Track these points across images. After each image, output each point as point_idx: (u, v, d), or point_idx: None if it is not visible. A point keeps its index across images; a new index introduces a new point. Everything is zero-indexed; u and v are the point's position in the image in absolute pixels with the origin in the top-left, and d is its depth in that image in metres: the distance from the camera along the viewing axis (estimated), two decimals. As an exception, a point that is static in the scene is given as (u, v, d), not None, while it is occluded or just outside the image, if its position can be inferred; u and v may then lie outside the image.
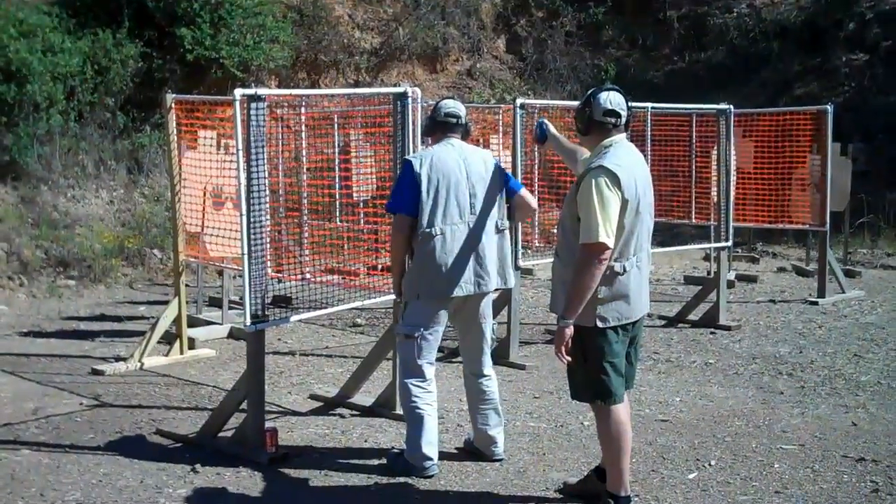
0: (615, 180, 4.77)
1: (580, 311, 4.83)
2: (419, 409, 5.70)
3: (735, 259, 13.59)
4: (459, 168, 5.68)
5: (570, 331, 4.85)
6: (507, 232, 5.89)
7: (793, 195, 11.88)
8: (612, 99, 4.97)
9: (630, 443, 5.08)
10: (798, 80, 18.79)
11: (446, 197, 5.59)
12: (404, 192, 5.61)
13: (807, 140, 11.73)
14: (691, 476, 5.75)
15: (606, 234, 4.74)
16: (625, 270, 4.92)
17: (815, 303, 11.15)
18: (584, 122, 5.05)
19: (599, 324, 4.90)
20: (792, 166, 11.83)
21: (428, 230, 5.57)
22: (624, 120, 5.01)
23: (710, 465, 5.95)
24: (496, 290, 5.90)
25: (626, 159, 4.91)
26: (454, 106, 5.87)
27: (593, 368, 4.97)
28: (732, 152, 10.20)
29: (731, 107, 10.02)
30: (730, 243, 10.27)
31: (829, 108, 11.45)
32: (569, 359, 4.92)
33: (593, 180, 4.78)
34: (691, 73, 20.13)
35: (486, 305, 5.89)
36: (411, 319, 5.72)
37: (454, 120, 5.81)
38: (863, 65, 18.43)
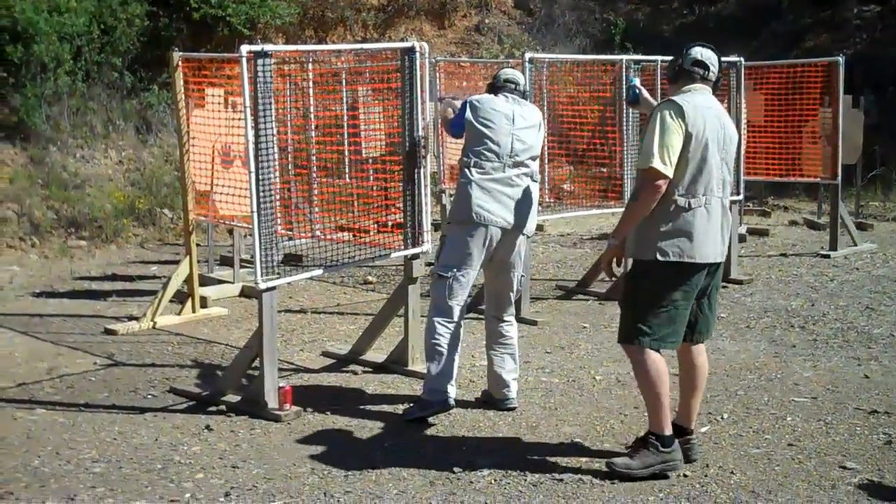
0: (679, 111, 4.89)
1: (643, 246, 4.98)
2: (441, 346, 5.89)
3: (746, 213, 13.55)
4: (509, 117, 6.02)
5: (615, 250, 5.09)
6: (537, 185, 6.17)
7: (804, 148, 11.80)
8: (703, 53, 5.15)
9: (667, 382, 5.11)
10: (809, 33, 18.62)
11: (491, 138, 5.95)
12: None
13: (818, 92, 11.63)
14: (703, 430, 5.76)
15: (662, 161, 4.84)
16: (690, 207, 4.94)
17: (827, 256, 11.12)
18: (673, 71, 5.24)
19: (659, 257, 4.94)
20: (803, 119, 11.74)
21: (466, 159, 6.01)
22: (712, 74, 5.15)
23: (722, 418, 5.96)
24: (528, 236, 6.19)
25: (701, 102, 5.00)
26: (513, 73, 6.29)
27: (642, 308, 5.03)
28: (743, 105, 10.13)
29: (742, 59, 9.94)
30: (741, 197, 10.22)
31: (841, 59, 11.35)
32: (616, 272, 5.14)
33: (658, 112, 4.95)
34: (702, 26, 19.93)
35: (518, 253, 6.11)
36: (445, 260, 5.98)
37: (512, 85, 6.18)
38: (874, 17, 18.25)
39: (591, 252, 11.55)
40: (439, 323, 5.93)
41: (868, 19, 18.27)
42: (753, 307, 8.83)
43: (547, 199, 10.44)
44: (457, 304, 5.96)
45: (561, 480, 5.03)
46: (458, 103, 6.51)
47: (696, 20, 20.39)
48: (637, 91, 6.11)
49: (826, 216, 12.51)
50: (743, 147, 10.23)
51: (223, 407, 6.11)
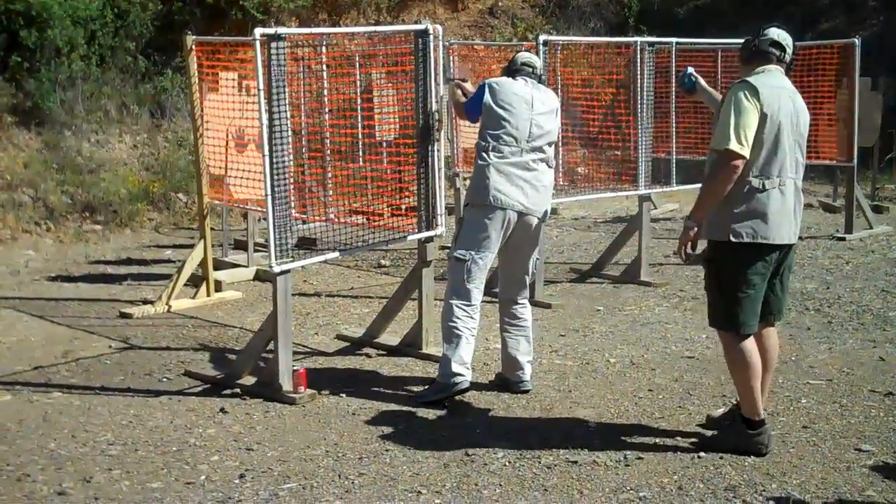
0: (754, 92, 4.91)
1: (717, 227, 5.01)
2: (458, 329, 5.91)
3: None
4: (528, 101, 6.05)
5: (693, 232, 5.05)
6: (552, 170, 6.28)
7: (820, 130, 11.71)
8: (780, 34, 5.14)
9: (758, 377, 5.10)
10: (824, 14, 18.49)
11: (510, 122, 6.01)
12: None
13: (834, 75, 11.55)
14: (718, 412, 5.75)
15: (738, 142, 4.86)
16: (764, 188, 4.97)
17: (843, 238, 11.08)
18: (748, 52, 5.20)
19: (733, 238, 4.97)
20: (819, 101, 11.65)
21: (484, 142, 6.04)
22: (788, 55, 5.15)
23: (736, 400, 5.93)
24: (542, 220, 6.25)
25: (775, 82, 5.02)
26: (530, 57, 6.35)
27: (727, 293, 5.06)
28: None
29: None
30: (755, 180, 10.15)
31: (857, 41, 11.27)
32: (691, 252, 5.14)
33: (733, 94, 4.96)
34: (716, 8, 19.82)
35: (533, 237, 6.20)
36: (463, 244, 6.03)
37: (529, 69, 6.22)
38: (891, -2, 18.12)
39: (604, 235, 11.53)
40: (457, 306, 5.95)
41: (885, 1, 18.13)
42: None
43: (561, 183, 10.42)
44: (474, 286, 5.98)
45: (575, 462, 5.04)
46: (468, 85, 6.55)
47: (712, 2, 20.27)
48: (693, 79, 6.09)
49: (842, 199, 12.46)
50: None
51: (238, 390, 6.13)
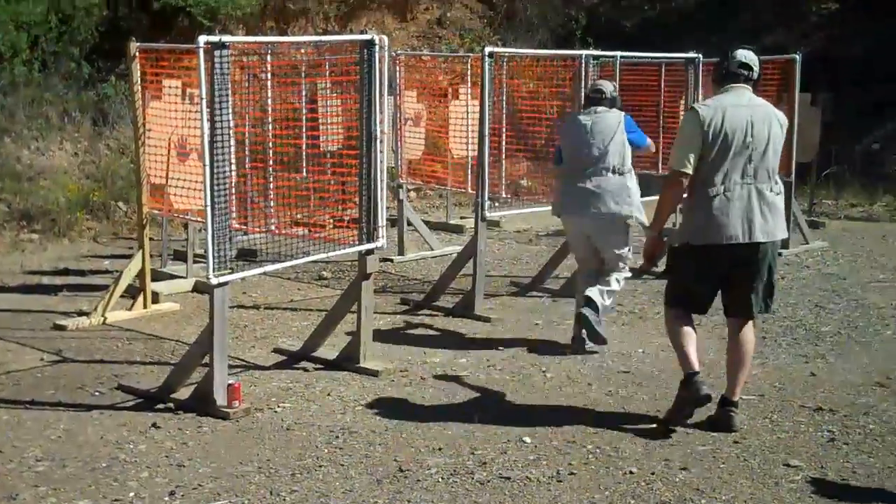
0: (695, 115, 5.63)
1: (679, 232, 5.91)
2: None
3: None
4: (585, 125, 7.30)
5: (653, 241, 5.88)
6: (627, 174, 7.31)
7: (760, 145, 11.85)
8: (747, 55, 5.74)
9: (690, 338, 5.85)
10: (768, 30, 18.74)
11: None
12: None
13: (775, 89, 11.69)
14: (651, 426, 5.80)
15: (681, 163, 5.61)
16: (708, 196, 5.58)
17: (779, 254, 11.15)
18: (719, 74, 5.80)
19: (686, 239, 5.76)
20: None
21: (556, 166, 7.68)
22: (755, 74, 5.75)
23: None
24: (620, 218, 7.32)
25: (731, 101, 5.63)
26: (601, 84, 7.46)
27: (672, 278, 5.96)
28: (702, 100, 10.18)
29: (700, 55, 10.00)
30: (696, 193, 10.26)
31: (798, 57, 11.42)
32: (654, 268, 6.17)
33: (682, 120, 5.86)
34: (662, 21, 20.03)
35: (606, 231, 7.35)
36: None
37: (598, 95, 7.41)
38: (833, 14, 18.41)
39: (546, 248, 11.56)
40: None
41: (826, 17, 18.45)
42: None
43: (503, 195, 10.47)
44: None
45: (508, 479, 5.05)
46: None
47: (658, 15, 20.49)
48: None
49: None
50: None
51: (171, 404, 6.07)
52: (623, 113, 7.51)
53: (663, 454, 5.39)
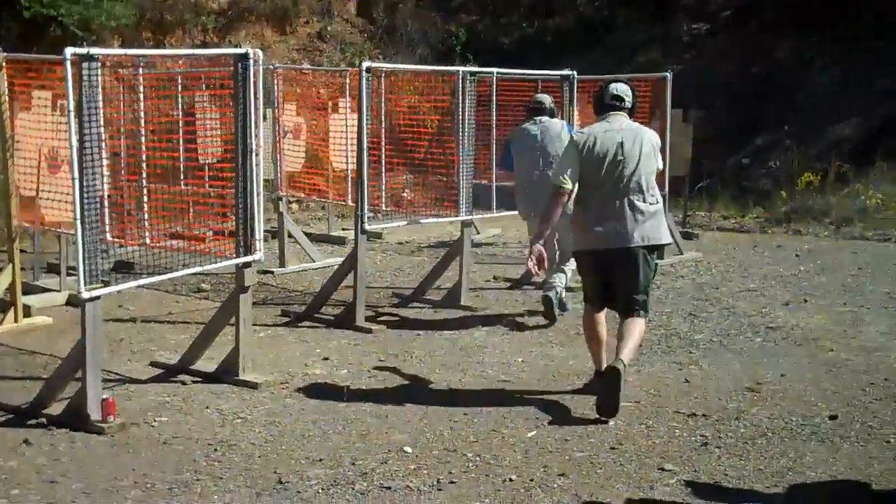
0: (572, 141, 6.55)
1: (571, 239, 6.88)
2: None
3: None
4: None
5: (537, 248, 6.41)
6: None
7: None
8: (619, 87, 6.59)
9: (596, 339, 6.62)
10: (642, 48, 19.23)
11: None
12: None
13: (647, 106, 11.98)
14: (530, 434, 5.88)
15: (562, 180, 6.38)
16: (586, 209, 6.40)
17: (659, 258, 11.45)
18: (599, 104, 6.63)
19: (575, 247, 6.66)
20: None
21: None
22: (627, 103, 6.53)
23: (547, 423, 6.09)
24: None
25: (604, 127, 6.44)
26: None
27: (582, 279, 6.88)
28: (577, 117, 10.38)
29: (575, 73, 10.20)
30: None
31: (669, 75, 11.75)
32: (536, 270, 6.49)
33: (566, 144, 6.79)
34: (540, 38, 20.37)
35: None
36: None
37: (538, 106, 8.65)
38: (704, 34, 18.99)
39: (428, 260, 11.63)
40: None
41: (697, 37, 19.01)
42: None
43: (384, 208, 10.49)
44: None
45: (389, 488, 5.05)
46: None
47: (536, 32, 20.83)
48: None
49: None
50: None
51: (44, 420, 5.91)
52: (563, 121, 9.15)
53: (542, 461, 5.46)
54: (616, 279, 6.42)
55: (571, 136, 6.74)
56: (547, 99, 9.18)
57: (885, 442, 5.79)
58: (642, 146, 6.36)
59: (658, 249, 6.56)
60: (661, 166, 6.77)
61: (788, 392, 6.77)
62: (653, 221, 6.36)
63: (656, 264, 6.64)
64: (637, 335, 6.36)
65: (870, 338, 8.20)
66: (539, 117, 8.97)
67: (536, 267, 6.43)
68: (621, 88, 6.58)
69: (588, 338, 6.68)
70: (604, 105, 6.57)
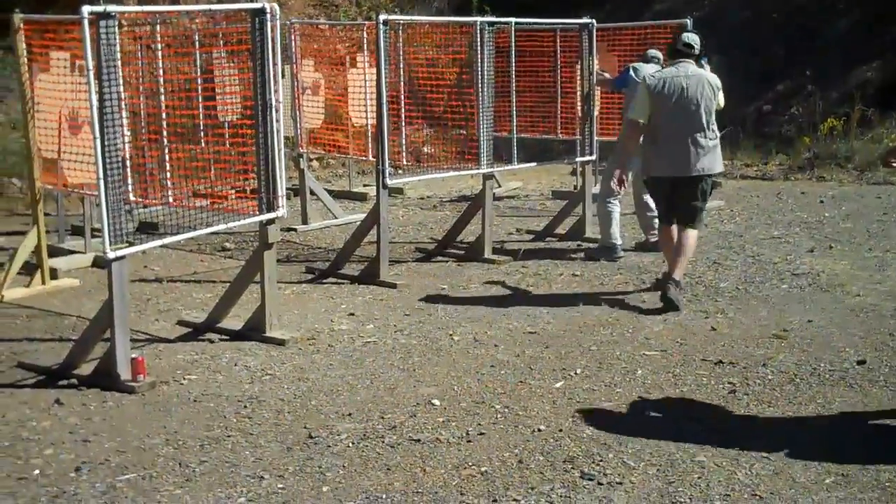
0: (646, 84, 7.62)
1: (643, 165, 7.94)
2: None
3: (602, 173, 13.78)
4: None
5: (618, 172, 7.86)
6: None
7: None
8: (690, 37, 7.71)
9: (669, 246, 7.72)
10: (659, -5, 19.02)
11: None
12: None
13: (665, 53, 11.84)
14: (558, 385, 5.89)
15: (635, 114, 7.70)
16: (656, 142, 7.56)
17: (718, 183, 11.43)
18: (670, 51, 7.88)
19: (648, 173, 7.84)
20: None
21: None
22: (695, 51, 7.66)
23: (575, 373, 6.10)
24: None
25: (673, 72, 7.57)
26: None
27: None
28: (597, 66, 10.29)
29: (594, 21, 10.09)
30: (594, 157, 10.42)
31: (689, 21, 11.59)
32: (618, 188, 8.04)
33: (639, 85, 7.93)
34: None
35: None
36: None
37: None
38: (723, -22, 18.74)
39: (450, 214, 11.62)
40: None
41: (717, -18, 18.75)
42: (607, 265, 9.05)
43: (405, 163, 10.47)
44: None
45: (418, 441, 5.08)
46: (606, 74, 10.30)
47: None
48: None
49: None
50: (596, 108, 10.48)
51: (74, 380, 5.95)
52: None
53: (570, 411, 5.47)
54: (679, 199, 7.57)
55: (644, 79, 7.79)
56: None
57: (913, 386, 5.78)
58: (703, 89, 7.49)
59: (714, 176, 7.72)
60: (721, 104, 7.81)
61: (815, 338, 6.75)
62: (711, 155, 7.54)
63: (711, 185, 7.77)
64: (690, 248, 7.68)
65: (896, 282, 8.16)
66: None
67: (618, 186, 7.90)
68: (692, 37, 7.71)
69: (663, 245, 7.93)
70: (676, 51, 7.71)
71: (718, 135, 7.65)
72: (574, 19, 10.27)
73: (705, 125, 7.50)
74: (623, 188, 8.04)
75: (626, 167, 7.91)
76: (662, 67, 8.54)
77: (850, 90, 15.69)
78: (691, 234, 7.64)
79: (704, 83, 7.52)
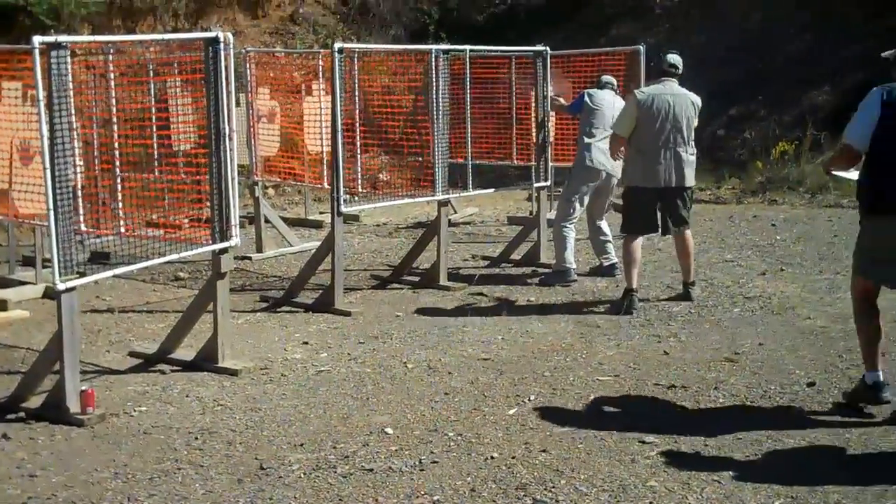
0: (634, 99, 8.19)
1: (623, 174, 8.64)
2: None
3: (557, 198, 13.85)
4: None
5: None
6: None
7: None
8: (674, 58, 8.28)
9: (634, 262, 8.28)
10: (614, 21, 19.21)
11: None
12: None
13: (621, 80, 11.96)
14: (511, 412, 5.90)
15: (619, 129, 8.28)
16: (642, 154, 8.10)
17: (692, 193, 11.46)
18: (657, 70, 8.37)
19: (632, 183, 8.32)
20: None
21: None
22: (678, 71, 8.25)
23: (529, 399, 6.11)
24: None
25: (659, 90, 8.15)
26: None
27: (625, 211, 8.51)
28: (552, 93, 10.36)
29: (548, 48, 10.17)
30: (549, 183, 10.49)
31: (642, 48, 11.71)
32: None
33: (627, 101, 8.39)
34: (512, 16, 20.31)
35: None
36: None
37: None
38: (676, 5, 18.97)
39: (406, 241, 11.62)
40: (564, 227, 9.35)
41: (670, 8, 18.99)
42: (561, 290, 9.08)
43: (360, 190, 10.46)
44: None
45: (371, 470, 5.06)
46: (562, 99, 10.52)
47: (508, 9, 20.75)
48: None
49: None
50: (551, 134, 10.55)
51: (22, 414, 5.87)
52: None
53: (523, 438, 5.48)
54: (666, 208, 8.20)
55: (634, 94, 8.27)
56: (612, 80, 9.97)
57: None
58: (687, 107, 8.15)
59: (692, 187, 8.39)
60: (695, 124, 8.35)
61: (766, 361, 6.82)
62: (691, 168, 8.24)
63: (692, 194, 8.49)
64: (691, 248, 8.47)
65: (846, 305, 8.17)
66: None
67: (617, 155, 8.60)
68: (675, 58, 8.28)
69: (627, 262, 8.24)
70: (661, 71, 8.26)
71: (695, 151, 8.34)
72: (529, 47, 10.35)
73: (687, 140, 8.17)
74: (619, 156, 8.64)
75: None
76: (641, 87, 9.21)
77: (802, 114, 15.90)
78: (687, 235, 8.40)
79: (688, 101, 8.18)
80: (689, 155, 8.21)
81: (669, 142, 8.08)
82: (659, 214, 8.29)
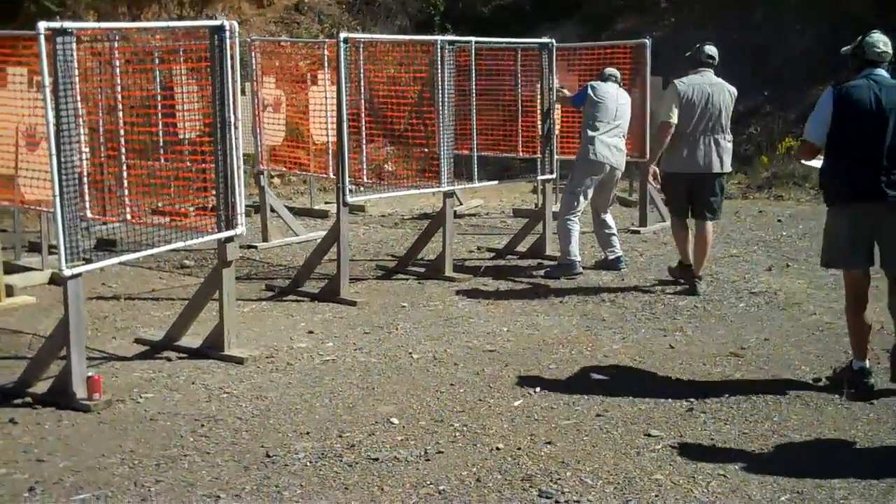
0: (675, 87, 8.47)
1: (665, 162, 8.64)
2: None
3: (562, 190, 13.83)
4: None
5: (652, 168, 8.91)
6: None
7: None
8: (711, 49, 8.64)
9: (684, 239, 8.72)
10: (619, 15, 19.17)
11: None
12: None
13: (627, 74, 11.94)
14: (517, 403, 5.90)
15: (667, 116, 8.43)
16: (682, 141, 8.38)
17: (637, 231, 11.53)
18: (694, 61, 8.66)
19: (671, 169, 8.55)
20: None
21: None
22: (715, 62, 8.61)
23: (534, 391, 6.11)
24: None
25: (698, 80, 8.49)
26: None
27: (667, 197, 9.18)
28: (557, 83, 10.34)
29: (553, 41, 10.15)
30: (554, 175, 10.47)
31: (648, 41, 11.70)
32: (654, 183, 9.17)
33: (668, 89, 8.65)
34: (518, 7, 20.25)
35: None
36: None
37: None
38: (681, 0, 18.92)
39: (411, 232, 11.62)
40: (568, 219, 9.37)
41: (675, 2, 18.94)
42: (566, 283, 9.08)
43: (366, 180, 10.45)
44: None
45: (376, 460, 5.07)
46: (566, 91, 10.47)
47: (514, 1, 20.69)
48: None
49: (637, 193, 12.93)
50: (557, 127, 10.52)
51: (29, 399, 5.89)
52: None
53: (529, 430, 5.48)
54: (698, 194, 8.43)
55: (674, 84, 8.52)
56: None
57: (868, 403, 5.84)
58: (724, 96, 8.46)
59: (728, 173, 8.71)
60: (731, 112, 8.59)
61: (772, 356, 6.82)
62: (727, 155, 8.51)
63: (726, 181, 8.82)
64: (710, 240, 8.59)
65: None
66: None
67: (654, 181, 8.92)
68: (712, 50, 8.65)
69: (677, 239, 8.78)
70: (700, 62, 8.60)
71: (731, 138, 8.63)
72: (534, 39, 10.32)
73: (725, 128, 8.49)
74: (656, 182, 8.97)
75: (655, 162, 8.89)
76: (619, 83, 9.69)
77: (807, 110, 15.84)
78: (709, 227, 8.55)
79: (725, 90, 8.51)
80: (727, 142, 8.54)
81: (708, 129, 8.40)
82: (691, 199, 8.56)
